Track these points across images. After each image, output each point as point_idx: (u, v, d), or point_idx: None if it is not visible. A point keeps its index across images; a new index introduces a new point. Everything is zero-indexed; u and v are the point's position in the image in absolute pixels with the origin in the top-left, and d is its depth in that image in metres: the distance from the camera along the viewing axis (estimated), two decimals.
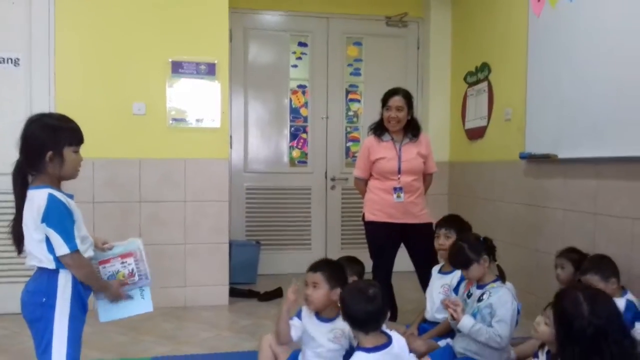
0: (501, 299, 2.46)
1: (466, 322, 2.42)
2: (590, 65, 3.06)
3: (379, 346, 1.93)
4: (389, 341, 1.97)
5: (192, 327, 3.49)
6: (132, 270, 2.02)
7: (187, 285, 3.95)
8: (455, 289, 2.88)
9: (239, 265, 4.48)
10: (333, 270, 2.30)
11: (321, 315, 2.30)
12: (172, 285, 3.91)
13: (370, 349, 1.92)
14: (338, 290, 2.19)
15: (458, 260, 2.61)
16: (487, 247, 2.62)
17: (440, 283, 2.97)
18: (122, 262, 2.01)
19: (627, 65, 2.78)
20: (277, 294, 4.18)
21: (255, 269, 4.68)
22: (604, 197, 3.00)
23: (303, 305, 2.34)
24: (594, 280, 2.50)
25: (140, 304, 2.05)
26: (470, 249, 2.57)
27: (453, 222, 3.08)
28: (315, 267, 2.30)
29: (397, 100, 3.37)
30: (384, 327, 2.02)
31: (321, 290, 2.24)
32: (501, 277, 2.64)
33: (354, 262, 2.88)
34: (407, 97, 3.41)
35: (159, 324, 3.51)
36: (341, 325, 2.21)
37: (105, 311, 2.04)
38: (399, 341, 2.02)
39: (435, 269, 3.09)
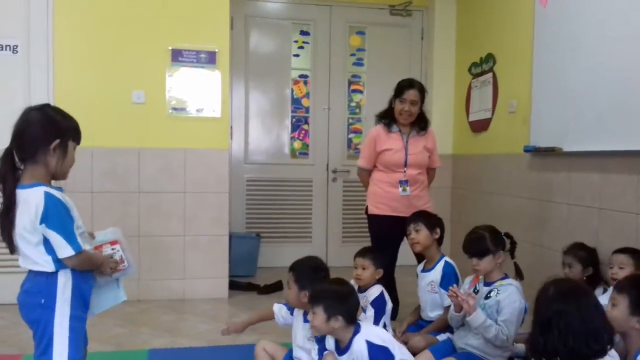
0: (509, 298, 2.40)
1: (478, 317, 2.34)
2: (596, 56, 3.01)
3: None
4: None
5: (190, 319, 3.47)
6: (122, 256, 1.98)
7: (186, 277, 3.92)
8: (441, 284, 2.83)
9: (239, 258, 4.45)
10: (301, 271, 2.30)
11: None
12: (171, 277, 3.88)
13: None
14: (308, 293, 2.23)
15: (476, 247, 2.51)
16: (506, 244, 2.57)
17: (427, 281, 2.91)
18: (112, 248, 1.97)
19: (635, 57, 2.72)
20: (277, 287, 4.15)
21: (255, 261, 4.65)
22: (609, 192, 2.96)
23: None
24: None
25: (117, 294, 2.01)
26: (492, 240, 2.50)
27: (419, 216, 3.00)
28: (290, 267, 2.35)
29: (413, 94, 3.31)
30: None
31: (292, 291, 2.28)
32: (518, 275, 2.59)
33: (380, 254, 2.85)
34: (422, 91, 3.37)
35: (157, 317, 3.48)
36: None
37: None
38: None
39: (419, 268, 3.04)
